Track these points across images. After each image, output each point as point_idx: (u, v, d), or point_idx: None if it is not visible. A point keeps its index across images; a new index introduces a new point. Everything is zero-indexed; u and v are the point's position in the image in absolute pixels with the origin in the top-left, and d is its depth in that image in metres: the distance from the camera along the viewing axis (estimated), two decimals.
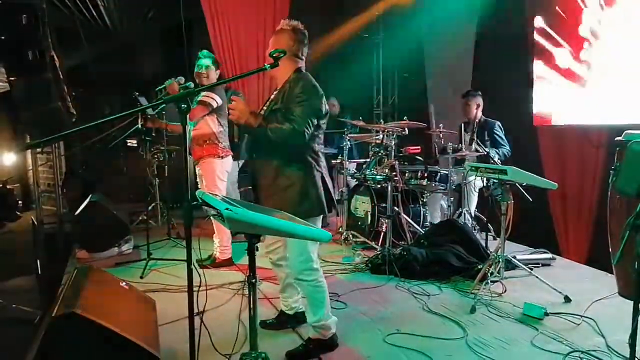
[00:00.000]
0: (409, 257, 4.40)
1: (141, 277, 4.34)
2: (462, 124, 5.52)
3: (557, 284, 3.84)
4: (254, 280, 2.21)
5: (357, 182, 5.89)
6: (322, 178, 2.91)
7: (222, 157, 4.50)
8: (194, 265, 2.12)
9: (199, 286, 2.15)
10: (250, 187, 6.35)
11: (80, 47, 7.09)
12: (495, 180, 3.91)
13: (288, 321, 3.31)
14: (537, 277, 3.87)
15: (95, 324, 2.33)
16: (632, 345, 2.15)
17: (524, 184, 3.90)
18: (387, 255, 4.46)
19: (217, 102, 4.39)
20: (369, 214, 5.41)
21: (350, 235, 5.43)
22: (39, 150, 7.26)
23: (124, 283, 3.10)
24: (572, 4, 5.18)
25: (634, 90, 4.59)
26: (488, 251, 4.54)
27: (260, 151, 2.92)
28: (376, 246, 5.07)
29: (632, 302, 2.12)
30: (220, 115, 4.48)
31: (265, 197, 2.89)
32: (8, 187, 11.58)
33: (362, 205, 5.58)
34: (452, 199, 5.48)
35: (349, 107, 7.54)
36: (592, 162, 5.12)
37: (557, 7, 5.37)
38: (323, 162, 2.96)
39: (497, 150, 5.25)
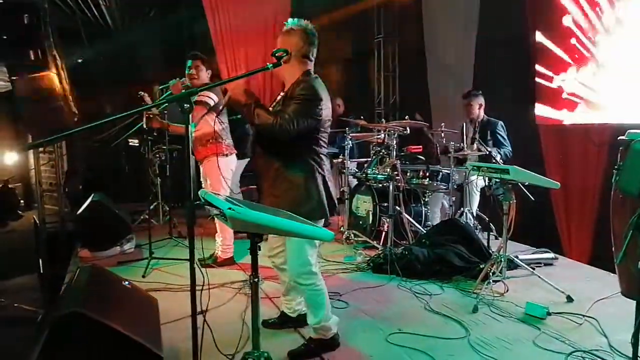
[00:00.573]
0: (410, 257, 4.40)
1: (143, 276, 4.34)
2: (464, 124, 5.52)
3: (560, 283, 3.84)
4: (256, 280, 2.21)
5: (358, 182, 5.89)
6: (324, 181, 2.87)
7: (227, 155, 4.51)
8: (196, 264, 2.12)
9: (202, 285, 2.15)
10: (251, 187, 6.38)
11: (81, 46, 7.11)
12: (497, 180, 3.91)
13: (290, 322, 3.30)
14: (539, 276, 3.87)
15: (98, 323, 2.33)
16: (635, 345, 2.15)
17: (526, 183, 3.89)
18: (388, 255, 4.45)
19: (213, 100, 4.38)
20: (370, 213, 5.41)
21: (352, 235, 5.43)
22: (40, 149, 7.26)
23: (126, 282, 3.09)
24: (573, 3, 5.18)
25: (636, 89, 4.58)
26: (490, 251, 4.53)
27: (263, 151, 2.90)
28: (378, 245, 5.06)
29: (635, 301, 2.12)
30: (219, 113, 4.49)
31: (266, 197, 2.88)
32: (10, 186, 11.61)
33: (363, 204, 5.58)
34: (453, 198, 5.48)
35: (351, 106, 7.54)
36: (594, 162, 5.11)
37: (557, 6, 5.37)
38: (326, 165, 2.93)
39: (499, 150, 5.25)
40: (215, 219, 4.40)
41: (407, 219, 5.17)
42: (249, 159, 5.66)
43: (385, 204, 5.04)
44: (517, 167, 3.72)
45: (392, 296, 3.94)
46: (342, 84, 8.63)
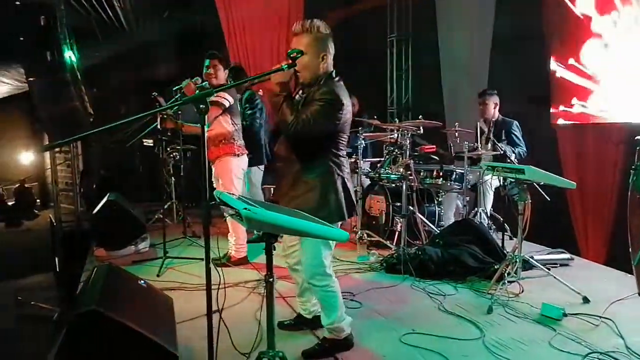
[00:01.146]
0: (424, 257, 4.38)
1: (158, 275, 4.37)
2: (478, 123, 5.49)
3: (576, 284, 3.80)
4: (271, 280, 2.22)
5: (371, 181, 5.88)
6: (344, 183, 2.86)
7: (238, 156, 4.53)
8: (212, 264, 2.14)
9: (220, 285, 2.16)
10: (270, 186, 6.39)
11: (97, 48, 7.17)
12: (512, 180, 3.88)
13: (306, 324, 3.30)
14: (555, 277, 3.84)
15: (115, 322, 2.36)
16: None
17: (542, 183, 3.86)
18: (402, 255, 4.44)
19: (229, 102, 4.42)
20: (383, 213, 5.40)
21: (365, 235, 5.41)
22: (56, 149, 7.35)
23: (141, 281, 3.12)
24: (588, 3, 5.13)
25: None
26: (505, 251, 4.50)
27: (285, 153, 2.89)
28: (391, 245, 5.05)
29: None
30: (233, 115, 4.51)
31: (285, 199, 2.86)
32: (26, 185, 11.76)
33: (376, 204, 5.57)
34: (467, 198, 5.45)
35: (364, 105, 7.51)
36: (611, 161, 5.06)
37: (572, 5, 5.32)
38: (346, 167, 2.91)
39: (513, 150, 5.21)
40: (228, 218, 4.44)
41: (421, 219, 5.16)
42: (264, 164, 5.67)
43: (399, 204, 5.02)
44: (532, 166, 3.68)
45: (405, 296, 3.93)
46: (354, 83, 8.60)
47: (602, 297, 3.66)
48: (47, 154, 9.02)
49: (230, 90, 4.49)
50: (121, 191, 5.90)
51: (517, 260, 3.85)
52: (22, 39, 5.53)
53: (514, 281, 3.91)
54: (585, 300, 3.67)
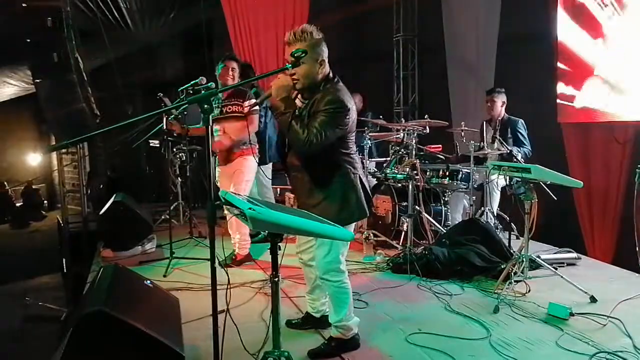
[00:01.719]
0: (430, 257, 4.37)
1: (164, 276, 4.38)
2: (484, 122, 5.47)
3: (583, 283, 3.78)
4: (277, 279, 2.23)
5: (377, 181, 5.87)
6: (360, 180, 2.88)
7: (253, 156, 4.56)
8: (218, 264, 2.14)
9: (227, 285, 2.17)
10: (278, 187, 6.39)
11: (103, 49, 7.20)
12: (518, 179, 3.86)
13: (313, 323, 3.30)
14: (562, 276, 3.81)
15: (121, 322, 2.37)
16: None
17: (548, 182, 3.84)
18: (408, 255, 4.43)
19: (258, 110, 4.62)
20: (389, 213, 5.39)
21: (372, 235, 5.40)
22: (63, 150, 7.39)
23: (148, 281, 3.13)
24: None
25: None
26: (511, 250, 4.49)
27: (296, 162, 2.88)
28: (397, 245, 5.05)
29: None
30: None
31: (305, 209, 2.83)
32: (34, 187, 11.85)
33: (382, 204, 5.56)
34: (474, 197, 5.43)
35: (369, 105, 7.51)
36: (618, 160, 5.03)
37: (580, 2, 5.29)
38: (358, 163, 2.93)
39: (519, 149, 5.19)
40: (228, 217, 4.46)
41: (427, 219, 5.15)
42: (266, 164, 5.67)
43: (405, 204, 5.02)
44: (539, 166, 3.67)
45: (412, 296, 3.92)
46: (360, 83, 8.61)
47: (610, 297, 3.64)
48: (54, 156, 9.08)
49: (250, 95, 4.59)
50: (128, 192, 5.92)
51: (524, 259, 3.83)
52: (28, 40, 5.56)
53: (520, 281, 3.90)
54: (593, 299, 3.65)
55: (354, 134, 2.91)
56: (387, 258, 4.74)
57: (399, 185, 5.33)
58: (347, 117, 2.74)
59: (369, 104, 7.51)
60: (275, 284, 2.23)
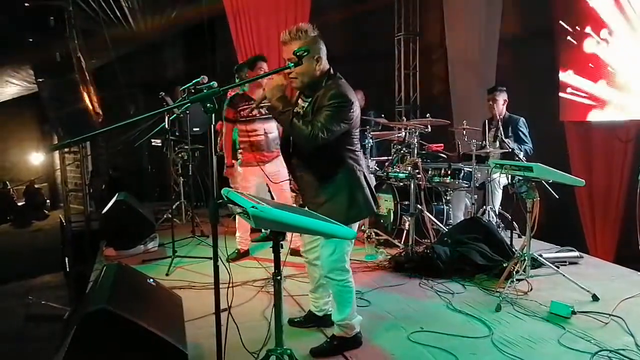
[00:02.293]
0: (432, 255, 4.37)
1: (167, 275, 4.39)
2: (486, 121, 5.47)
3: (585, 282, 3.77)
4: (279, 277, 2.23)
5: (379, 180, 5.87)
6: (365, 177, 2.89)
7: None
8: (221, 262, 2.15)
9: (228, 283, 2.17)
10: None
11: (105, 48, 7.21)
12: (520, 178, 3.86)
13: (315, 322, 3.31)
14: (564, 275, 3.81)
15: (124, 320, 2.38)
16: None
17: (551, 180, 3.84)
18: (410, 253, 4.43)
19: None
20: (391, 211, 5.39)
21: (373, 233, 5.41)
22: (66, 150, 7.40)
23: (151, 280, 3.14)
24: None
25: None
26: (513, 249, 4.49)
27: (300, 161, 2.90)
28: (399, 244, 5.05)
29: None
30: None
31: (312, 207, 2.84)
32: (36, 186, 11.88)
33: (384, 203, 5.57)
34: (475, 196, 5.43)
35: (371, 104, 7.52)
36: (620, 158, 5.04)
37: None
38: (363, 161, 2.93)
39: (520, 147, 5.19)
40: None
41: (429, 218, 5.15)
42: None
43: (407, 203, 5.02)
44: (541, 164, 3.67)
45: (413, 295, 3.92)
46: (362, 82, 8.62)
47: (612, 295, 3.64)
48: (57, 155, 9.09)
49: None
50: (130, 191, 5.93)
51: (526, 258, 3.84)
52: (31, 40, 5.57)
53: (522, 279, 3.89)
54: (595, 298, 3.65)
55: (358, 130, 2.91)
56: (389, 257, 4.74)
57: (401, 184, 5.33)
58: (352, 111, 2.75)
59: (371, 103, 7.51)
60: (277, 282, 2.24)
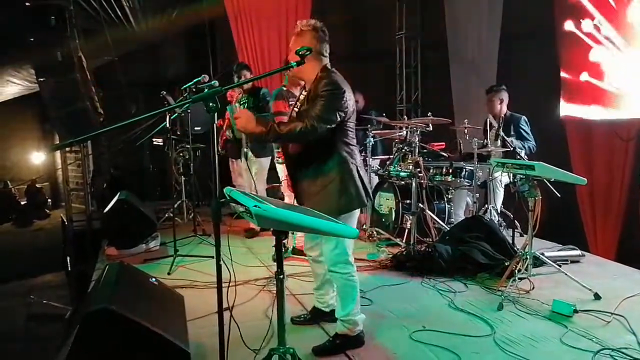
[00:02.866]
0: (434, 254, 4.37)
1: (169, 274, 4.39)
2: (487, 120, 5.46)
3: (587, 281, 3.77)
4: (281, 276, 2.23)
5: (380, 179, 5.87)
6: (358, 170, 2.93)
7: None
8: (224, 262, 2.15)
9: (230, 282, 2.17)
10: (275, 185, 6.39)
11: (105, 47, 7.21)
12: (522, 176, 3.86)
13: (323, 317, 3.31)
14: (565, 274, 3.81)
15: (127, 319, 2.38)
16: None
17: (552, 179, 3.84)
18: (412, 252, 4.43)
19: None
20: (393, 210, 5.39)
21: (375, 232, 5.42)
22: (67, 149, 7.40)
23: (153, 279, 3.14)
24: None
25: None
26: (515, 248, 4.48)
27: (295, 154, 2.94)
28: (401, 243, 5.04)
29: None
30: None
31: (306, 197, 2.92)
32: (38, 185, 11.88)
33: (386, 202, 5.56)
34: (477, 195, 5.42)
35: (372, 103, 7.51)
36: (621, 157, 5.03)
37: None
38: (357, 155, 2.98)
39: (523, 144, 5.18)
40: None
41: (430, 216, 5.14)
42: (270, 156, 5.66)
43: (408, 201, 5.02)
44: (542, 163, 3.67)
45: (415, 293, 3.92)
46: (363, 81, 8.61)
47: (614, 294, 3.64)
48: (58, 154, 9.10)
49: None
50: (131, 190, 5.92)
51: (528, 256, 3.83)
52: (32, 39, 5.57)
53: (524, 278, 3.89)
54: (597, 296, 3.65)
55: (353, 124, 2.97)
56: (391, 255, 4.73)
57: (402, 182, 5.33)
58: (344, 99, 2.81)
59: (372, 102, 7.50)
60: (280, 281, 2.24)
